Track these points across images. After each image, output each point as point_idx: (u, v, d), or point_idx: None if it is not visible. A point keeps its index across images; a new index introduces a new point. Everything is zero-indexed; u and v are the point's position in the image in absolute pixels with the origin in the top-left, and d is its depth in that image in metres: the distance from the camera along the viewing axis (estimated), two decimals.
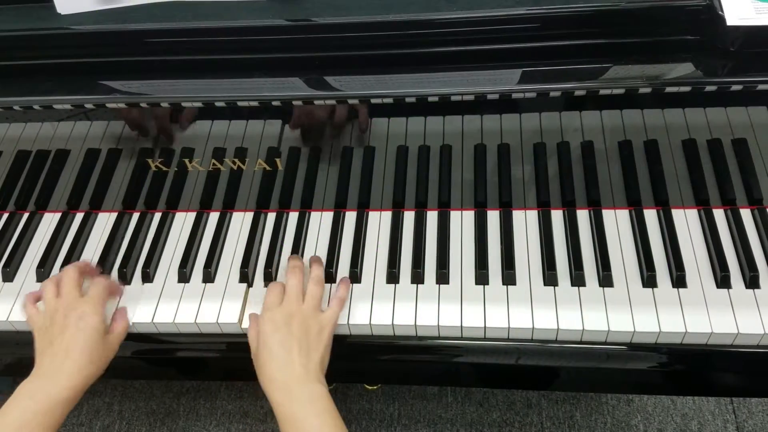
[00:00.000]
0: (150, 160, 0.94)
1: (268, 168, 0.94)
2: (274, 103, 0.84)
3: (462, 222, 0.94)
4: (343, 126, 0.89)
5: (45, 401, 0.77)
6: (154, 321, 0.89)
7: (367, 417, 1.53)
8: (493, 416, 1.51)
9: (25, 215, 1.03)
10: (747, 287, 0.84)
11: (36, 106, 0.88)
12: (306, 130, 0.90)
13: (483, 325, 0.84)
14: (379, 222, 0.96)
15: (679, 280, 0.85)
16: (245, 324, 0.87)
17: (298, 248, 0.93)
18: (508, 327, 0.83)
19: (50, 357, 0.80)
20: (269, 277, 0.91)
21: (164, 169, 0.95)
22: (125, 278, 0.94)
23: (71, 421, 1.60)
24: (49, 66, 0.89)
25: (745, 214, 0.90)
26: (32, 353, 0.96)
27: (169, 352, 0.94)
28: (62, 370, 0.79)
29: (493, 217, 0.94)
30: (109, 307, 0.89)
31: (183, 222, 0.99)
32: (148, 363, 0.98)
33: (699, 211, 0.92)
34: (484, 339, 0.86)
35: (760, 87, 0.78)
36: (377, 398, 1.55)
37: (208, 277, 0.92)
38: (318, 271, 0.88)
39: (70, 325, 0.81)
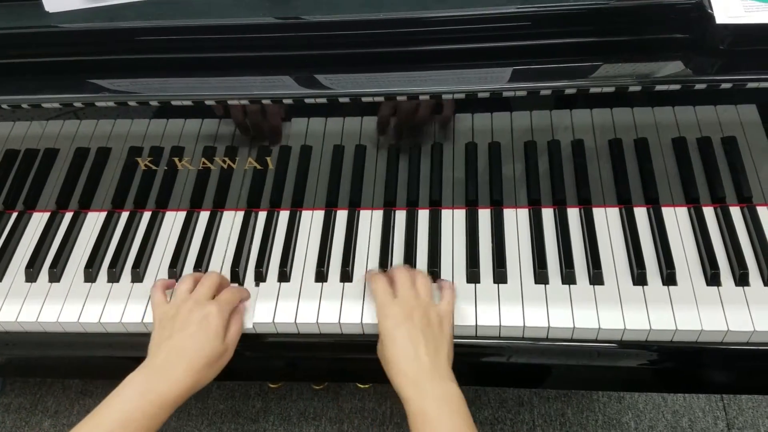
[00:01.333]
0: (139, 159, 0.94)
1: (258, 167, 0.94)
2: (265, 101, 0.84)
3: (453, 221, 0.94)
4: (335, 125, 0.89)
5: (155, 400, 0.74)
6: (144, 321, 0.88)
7: (359, 415, 1.53)
8: (485, 414, 1.51)
9: (14, 215, 1.03)
10: (737, 285, 0.84)
11: (24, 105, 0.88)
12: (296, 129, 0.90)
13: (474, 324, 0.84)
14: (371, 221, 0.95)
15: (669, 278, 0.85)
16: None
17: (289, 247, 0.93)
18: (499, 325, 0.83)
19: (166, 352, 0.78)
20: (260, 277, 0.91)
21: (154, 168, 0.95)
22: (114, 278, 0.93)
23: (62, 422, 1.59)
24: (37, 64, 0.88)
25: (735, 212, 0.91)
26: (21, 355, 0.96)
27: None
28: (177, 368, 0.76)
29: (484, 215, 0.94)
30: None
31: (173, 221, 0.99)
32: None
33: (689, 209, 0.92)
34: (476, 337, 0.86)
35: (750, 85, 0.78)
36: (369, 397, 1.55)
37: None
38: (422, 272, 0.87)
39: (193, 323, 0.79)
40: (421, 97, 0.83)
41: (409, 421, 0.75)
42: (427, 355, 0.76)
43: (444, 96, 0.83)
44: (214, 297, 0.84)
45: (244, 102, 0.84)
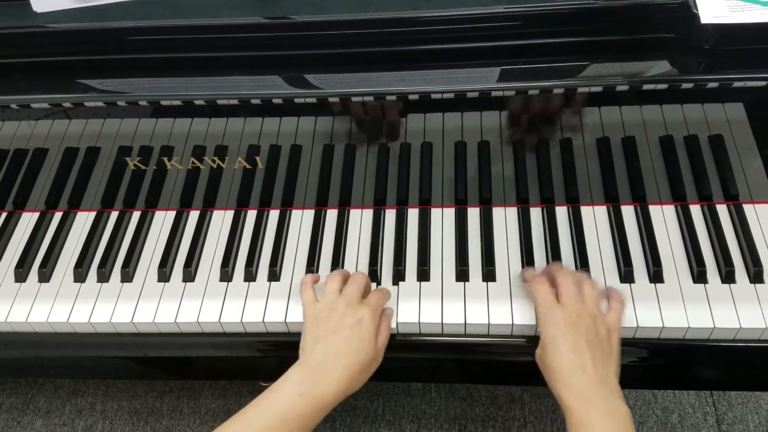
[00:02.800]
0: (129, 159, 0.94)
1: (248, 166, 0.94)
2: (254, 101, 0.84)
3: (443, 219, 0.95)
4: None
5: (311, 402, 0.74)
6: (134, 321, 0.88)
7: (351, 413, 1.53)
8: (477, 411, 1.52)
9: (3, 215, 1.02)
10: (723, 282, 0.85)
11: (13, 105, 0.88)
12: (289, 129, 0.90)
13: (464, 322, 0.84)
14: (361, 220, 0.96)
15: (656, 276, 0.86)
16: (224, 320, 0.87)
17: (278, 247, 0.93)
18: (489, 323, 0.84)
19: (322, 353, 0.77)
20: (250, 276, 0.91)
21: (143, 167, 0.95)
22: (104, 278, 0.93)
23: (53, 422, 1.59)
24: (25, 65, 0.88)
25: (722, 210, 0.91)
26: (10, 355, 0.96)
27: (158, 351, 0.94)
28: (333, 371, 0.75)
29: (474, 214, 0.94)
30: None
31: (162, 221, 0.99)
32: (134, 362, 0.97)
33: (676, 207, 0.93)
34: (465, 335, 0.86)
35: (736, 84, 0.79)
36: (361, 395, 1.55)
37: (188, 276, 0.92)
38: (586, 276, 0.83)
39: (347, 326, 0.78)
40: (411, 97, 0.83)
41: (568, 428, 0.73)
42: (594, 368, 0.73)
43: (433, 95, 0.83)
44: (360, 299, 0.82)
45: (233, 102, 0.84)
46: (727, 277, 0.85)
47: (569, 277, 0.81)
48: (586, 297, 0.79)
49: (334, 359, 0.76)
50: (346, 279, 0.84)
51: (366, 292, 0.84)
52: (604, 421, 0.71)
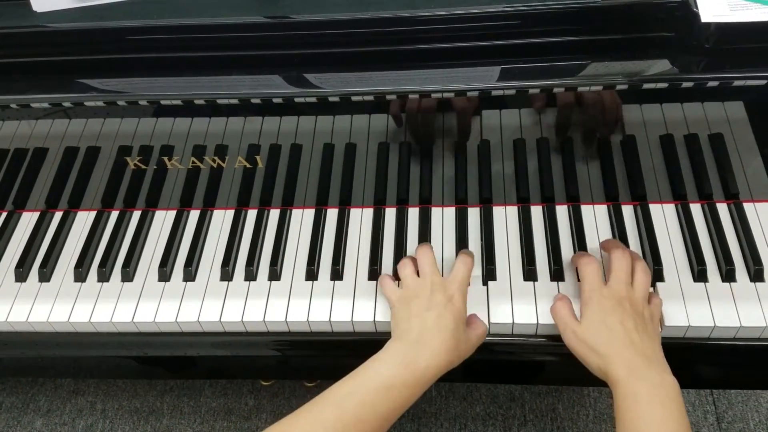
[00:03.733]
0: (129, 159, 0.94)
1: (248, 165, 0.94)
2: (254, 100, 0.84)
3: (443, 218, 0.95)
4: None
5: (415, 372, 0.73)
6: (135, 320, 0.88)
7: None
8: (477, 410, 1.52)
9: (3, 215, 1.02)
10: (723, 281, 0.85)
11: (13, 105, 0.88)
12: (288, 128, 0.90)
13: None
14: (361, 219, 0.96)
15: (656, 274, 0.86)
16: (225, 319, 0.87)
17: (279, 246, 0.93)
18: (489, 322, 0.84)
19: (419, 327, 0.77)
20: (250, 275, 0.91)
21: (143, 167, 0.95)
22: (104, 277, 0.93)
23: (54, 421, 1.59)
24: (25, 64, 0.88)
25: (722, 209, 0.92)
26: (11, 355, 0.96)
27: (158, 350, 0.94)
28: (434, 342, 0.75)
29: (474, 213, 0.94)
30: None
31: (163, 220, 0.99)
32: (135, 361, 0.97)
33: (676, 206, 0.93)
34: None
35: (736, 83, 0.79)
36: None
37: (189, 276, 0.92)
38: (643, 263, 0.83)
39: (438, 305, 0.78)
40: (411, 96, 0.83)
41: (615, 404, 0.72)
42: (642, 343, 0.74)
43: (433, 95, 0.83)
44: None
45: (233, 101, 0.84)
46: (728, 275, 0.85)
47: (624, 260, 0.81)
48: (637, 283, 0.80)
49: (432, 331, 0.76)
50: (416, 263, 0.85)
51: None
52: (651, 392, 0.70)
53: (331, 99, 0.84)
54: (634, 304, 0.77)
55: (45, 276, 0.94)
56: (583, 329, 0.78)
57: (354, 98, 0.83)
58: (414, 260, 0.85)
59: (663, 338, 0.83)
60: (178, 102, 0.85)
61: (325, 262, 0.92)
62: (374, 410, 0.72)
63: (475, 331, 0.81)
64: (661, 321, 0.82)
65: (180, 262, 0.94)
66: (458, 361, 0.78)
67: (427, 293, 0.80)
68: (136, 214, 1.00)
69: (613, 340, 0.75)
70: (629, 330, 0.75)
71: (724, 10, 0.73)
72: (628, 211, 0.93)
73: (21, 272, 0.95)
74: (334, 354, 0.92)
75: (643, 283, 0.80)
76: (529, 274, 0.87)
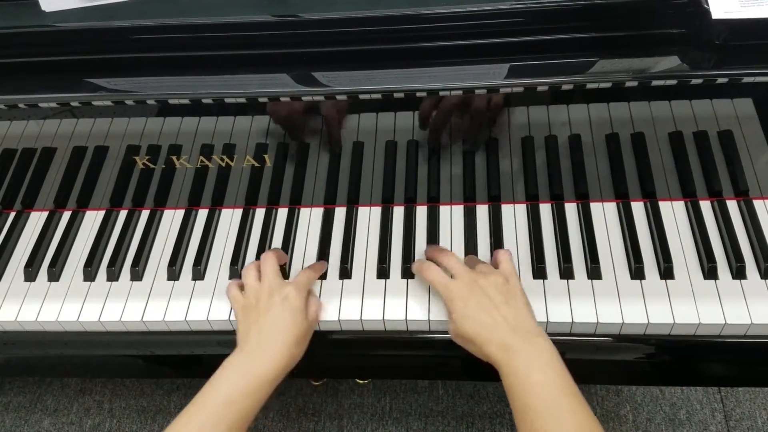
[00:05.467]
0: (137, 158, 0.94)
1: (256, 164, 0.94)
2: (262, 99, 0.84)
3: (451, 216, 0.94)
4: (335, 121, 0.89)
5: (254, 380, 0.76)
6: (144, 320, 0.89)
7: (358, 411, 1.53)
8: (484, 408, 1.52)
9: (12, 214, 1.02)
10: (734, 278, 0.85)
11: (21, 105, 0.88)
12: (293, 127, 0.90)
13: None
14: (369, 218, 0.96)
15: (666, 272, 0.85)
16: (234, 318, 0.87)
17: (287, 245, 0.93)
18: None
19: (256, 334, 0.79)
20: None
21: (151, 166, 0.95)
22: (113, 277, 0.93)
23: (61, 420, 1.60)
24: (34, 64, 0.88)
25: (732, 206, 0.91)
26: (20, 354, 0.97)
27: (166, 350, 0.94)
28: (269, 348, 0.78)
29: (483, 211, 0.94)
30: None
31: (171, 220, 0.99)
32: (142, 360, 0.97)
33: (686, 203, 0.92)
34: None
35: (746, 80, 0.79)
36: (369, 392, 1.55)
37: (198, 274, 0.92)
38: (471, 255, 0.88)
39: (276, 305, 0.81)
40: (419, 94, 0.83)
41: (504, 386, 0.74)
42: (505, 318, 0.76)
43: (441, 93, 0.83)
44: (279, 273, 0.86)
45: (241, 100, 0.84)
46: (738, 273, 0.85)
47: (447, 252, 0.85)
48: (469, 262, 0.85)
49: (269, 337, 0.79)
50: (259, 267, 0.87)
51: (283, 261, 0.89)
52: (527, 364, 0.73)
53: (339, 98, 0.84)
54: (482, 279, 0.80)
55: (54, 275, 0.94)
56: (454, 325, 0.80)
57: (362, 97, 0.84)
58: (258, 265, 0.87)
59: (673, 336, 0.83)
60: (186, 101, 0.85)
61: (334, 261, 0.92)
62: (220, 426, 0.74)
63: (311, 309, 0.84)
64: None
65: (189, 261, 0.94)
66: (302, 352, 0.82)
67: (266, 297, 0.82)
68: (145, 213, 1.00)
69: (480, 325, 0.77)
70: (490, 309, 0.77)
71: (735, 6, 0.73)
72: (637, 208, 0.92)
73: (30, 272, 0.95)
74: (341, 352, 0.92)
75: (473, 258, 0.85)
76: (539, 272, 0.87)
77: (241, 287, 0.86)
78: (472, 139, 0.91)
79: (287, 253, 0.93)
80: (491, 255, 0.89)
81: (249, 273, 0.86)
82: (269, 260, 0.86)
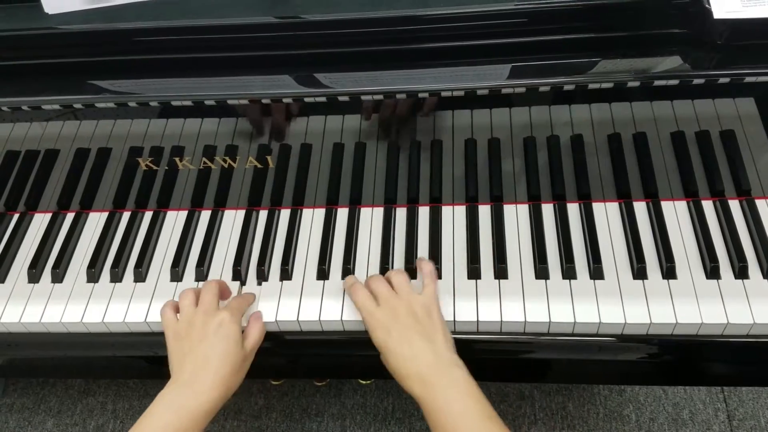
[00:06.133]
0: (140, 159, 0.94)
1: (259, 165, 0.94)
2: (264, 101, 0.84)
3: (453, 217, 0.95)
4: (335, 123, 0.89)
5: (186, 416, 0.74)
6: (148, 320, 0.89)
7: (361, 411, 1.53)
8: None
9: (15, 216, 1.03)
10: (736, 278, 0.85)
11: (25, 107, 0.88)
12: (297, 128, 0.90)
13: (476, 319, 0.84)
14: (371, 218, 0.96)
15: (669, 272, 0.85)
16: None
17: (290, 246, 0.94)
18: (501, 321, 0.84)
19: (192, 365, 0.78)
20: (261, 275, 0.91)
21: (154, 168, 0.95)
22: (117, 278, 0.93)
23: (65, 421, 1.60)
24: (37, 66, 0.88)
25: (734, 205, 0.91)
26: (23, 356, 0.97)
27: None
28: (205, 380, 0.76)
29: (485, 211, 0.94)
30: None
31: (174, 221, 0.99)
32: (145, 361, 0.97)
33: (688, 203, 0.92)
34: (477, 333, 0.86)
35: (748, 79, 0.79)
36: (371, 393, 1.55)
37: (201, 275, 0.92)
38: (394, 270, 0.87)
39: (210, 334, 0.79)
40: (421, 95, 0.83)
41: (427, 419, 0.75)
42: (424, 350, 0.77)
43: (443, 93, 0.83)
44: (218, 304, 0.84)
45: (244, 102, 0.84)
46: (741, 272, 0.85)
47: (378, 279, 0.85)
48: (397, 287, 0.83)
49: (203, 368, 0.77)
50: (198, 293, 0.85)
51: (226, 297, 0.87)
52: (446, 397, 0.74)
53: (341, 99, 0.84)
54: (405, 308, 0.80)
55: (58, 277, 0.94)
56: (384, 358, 0.81)
57: (364, 98, 0.84)
58: (196, 293, 0.85)
59: (675, 336, 0.83)
60: (189, 103, 0.85)
61: (336, 262, 0.92)
62: None
63: (249, 338, 0.83)
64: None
65: (192, 262, 0.94)
66: (239, 381, 0.80)
67: (200, 325, 0.80)
68: (148, 215, 1.00)
69: (401, 358, 0.78)
70: (411, 342, 0.78)
71: (737, 6, 0.73)
72: (639, 208, 0.92)
73: (34, 273, 0.95)
74: (345, 353, 0.92)
75: (401, 282, 0.83)
76: (542, 272, 0.87)
77: (177, 309, 0.85)
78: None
79: (290, 253, 0.93)
80: (494, 257, 0.89)
81: (186, 296, 0.84)
82: (211, 286, 0.85)
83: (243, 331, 0.83)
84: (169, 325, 0.83)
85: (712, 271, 0.85)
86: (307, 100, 0.84)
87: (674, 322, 0.81)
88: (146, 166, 0.95)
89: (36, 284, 0.95)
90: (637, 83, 0.80)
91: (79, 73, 0.87)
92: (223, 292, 0.88)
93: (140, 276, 0.93)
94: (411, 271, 0.89)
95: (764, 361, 0.87)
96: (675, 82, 0.79)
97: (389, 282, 0.84)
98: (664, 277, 0.85)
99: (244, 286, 0.91)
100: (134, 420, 1.55)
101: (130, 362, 0.98)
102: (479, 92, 0.82)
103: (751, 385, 1.46)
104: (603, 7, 0.79)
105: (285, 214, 0.98)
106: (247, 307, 0.86)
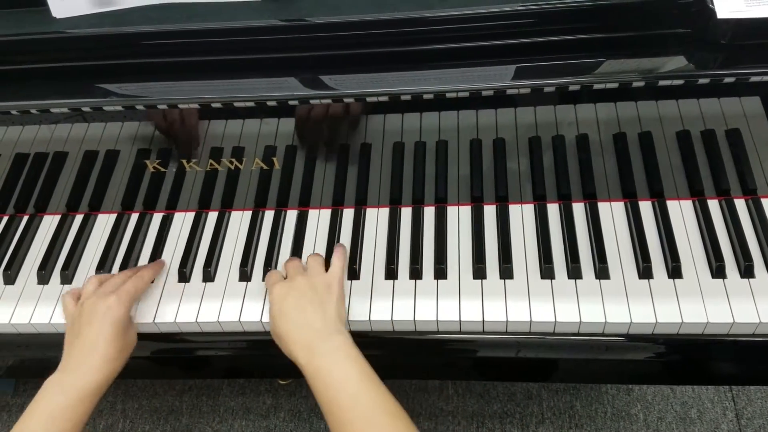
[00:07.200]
0: (148, 161, 0.95)
1: (265, 167, 0.95)
2: (270, 103, 0.84)
3: (459, 217, 0.95)
4: (339, 124, 0.89)
5: (74, 394, 0.78)
6: (156, 321, 0.90)
7: None
8: (494, 408, 1.52)
9: (25, 218, 1.04)
10: (742, 277, 0.85)
11: (33, 110, 0.89)
12: (302, 129, 0.90)
13: (481, 319, 0.84)
14: (377, 219, 0.96)
15: (674, 271, 0.85)
16: (244, 319, 0.88)
17: (297, 246, 0.94)
18: (506, 320, 0.84)
19: (78, 349, 0.81)
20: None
21: (162, 170, 0.96)
22: None
23: None
24: (45, 70, 0.89)
25: (740, 204, 0.91)
26: (33, 356, 0.98)
27: (175, 352, 0.95)
28: (89, 362, 0.80)
29: (490, 211, 0.95)
30: None
31: (182, 222, 1.00)
32: (153, 363, 0.98)
33: (693, 202, 0.92)
34: (483, 333, 0.86)
35: (753, 79, 0.79)
36: None
37: (208, 276, 0.93)
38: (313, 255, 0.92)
39: (98, 317, 0.82)
40: (426, 96, 0.84)
41: (309, 385, 0.77)
42: (315, 318, 0.80)
43: (448, 94, 0.83)
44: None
45: (250, 104, 0.85)
46: (746, 271, 0.84)
47: (294, 260, 0.90)
48: (308, 266, 0.88)
49: (90, 350, 0.81)
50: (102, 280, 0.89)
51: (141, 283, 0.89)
52: (328, 361, 0.76)
53: (346, 101, 0.84)
54: (303, 281, 0.84)
55: (67, 278, 0.95)
56: (271, 323, 0.83)
57: (369, 99, 0.84)
58: (101, 280, 0.88)
59: (681, 335, 0.83)
60: (196, 105, 0.86)
61: None
62: None
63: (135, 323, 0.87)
64: None
65: (199, 263, 0.95)
66: (124, 362, 0.84)
67: (89, 308, 0.83)
68: (156, 216, 1.01)
69: (291, 323, 0.81)
70: (303, 310, 0.81)
71: (741, 6, 0.73)
72: (645, 207, 0.92)
73: (43, 275, 0.96)
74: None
75: (313, 262, 0.88)
76: (547, 272, 0.87)
77: (78, 297, 0.88)
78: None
79: (297, 253, 0.93)
80: (499, 257, 0.89)
81: (90, 283, 0.88)
82: (116, 277, 0.88)
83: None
84: (66, 310, 0.88)
85: (718, 271, 0.85)
86: (312, 102, 0.84)
87: (680, 321, 0.81)
88: (154, 168, 0.96)
89: (45, 285, 0.96)
90: (642, 83, 0.80)
91: (87, 77, 0.88)
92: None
93: None
94: (414, 270, 0.89)
95: None
96: (680, 82, 0.79)
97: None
98: (669, 277, 0.85)
99: (250, 285, 0.92)
100: (143, 419, 1.57)
101: (140, 363, 0.98)
102: (484, 93, 0.83)
103: (759, 384, 1.46)
104: (607, 7, 0.79)
105: (291, 215, 0.98)
106: (143, 287, 0.89)
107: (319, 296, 0.82)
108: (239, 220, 0.99)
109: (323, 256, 0.91)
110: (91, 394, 0.79)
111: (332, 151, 0.93)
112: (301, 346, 0.78)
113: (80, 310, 0.84)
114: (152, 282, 0.92)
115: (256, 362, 0.99)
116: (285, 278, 0.87)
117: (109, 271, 0.96)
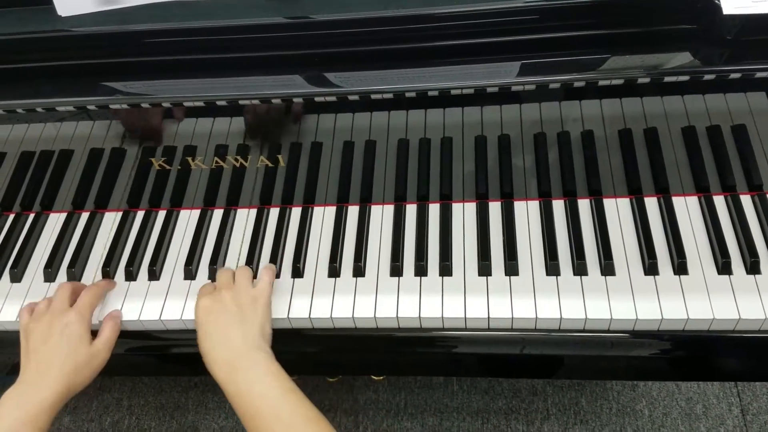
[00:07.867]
0: (153, 159, 0.95)
1: (270, 164, 0.95)
2: (275, 100, 0.85)
3: (464, 214, 0.95)
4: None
5: (32, 408, 0.78)
6: (162, 318, 0.90)
7: (374, 407, 1.54)
8: (499, 404, 1.52)
9: (31, 216, 1.04)
10: (748, 273, 0.85)
11: (39, 108, 0.89)
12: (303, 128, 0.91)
13: (486, 316, 0.85)
14: (382, 216, 0.96)
15: (680, 267, 0.85)
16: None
17: (301, 243, 0.94)
18: (512, 317, 0.84)
19: (35, 364, 0.82)
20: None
21: (167, 167, 0.96)
22: (132, 277, 0.94)
23: (81, 417, 1.62)
24: (50, 68, 0.89)
25: (746, 200, 0.91)
26: None
27: (175, 348, 0.95)
28: (47, 378, 0.80)
29: (495, 208, 0.95)
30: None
31: (188, 220, 1.00)
32: (158, 359, 0.98)
33: (699, 198, 0.92)
34: (488, 329, 0.87)
35: (759, 74, 0.78)
36: (384, 388, 1.56)
37: (214, 273, 0.93)
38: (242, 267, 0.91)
39: (55, 334, 0.83)
40: (430, 93, 0.84)
41: (231, 403, 0.77)
42: (236, 336, 0.81)
43: (453, 91, 0.83)
44: (70, 304, 0.87)
45: (255, 102, 0.85)
46: (752, 267, 0.84)
47: (224, 271, 0.90)
48: (236, 279, 0.87)
49: (46, 367, 0.81)
50: (76, 293, 0.89)
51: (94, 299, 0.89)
52: (249, 379, 0.77)
53: (351, 98, 0.84)
54: (231, 294, 0.84)
55: (74, 276, 0.96)
56: (200, 342, 0.83)
57: (374, 96, 0.84)
58: (50, 300, 0.88)
59: (687, 331, 0.83)
60: (201, 103, 0.86)
61: (347, 259, 0.92)
62: None
63: (102, 338, 0.86)
64: None
65: (205, 260, 0.95)
66: (86, 379, 0.84)
67: (45, 325, 0.84)
68: (162, 214, 1.01)
69: (211, 344, 0.81)
70: (226, 327, 0.81)
71: (746, 1, 0.73)
72: (651, 204, 0.92)
73: (50, 272, 0.96)
74: (358, 349, 0.92)
75: (242, 274, 0.88)
76: (552, 268, 0.87)
77: (33, 311, 0.88)
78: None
79: (301, 251, 0.93)
80: (504, 254, 0.89)
81: (42, 302, 0.88)
82: (64, 288, 0.88)
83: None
84: (22, 325, 0.87)
85: (724, 267, 0.85)
86: (317, 99, 0.85)
87: (686, 317, 0.81)
88: (159, 165, 0.96)
89: (52, 283, 0.96)
90: (647, 79, 0.79)
91: (92, 75, 0.88)
92: (75, 291, 0.90)
93: (154, 274, 0.94)
94: (419, 267, 0.89)
95: None
96: (685, 78, 0.79)
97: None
98: (675, 273, 0.85)
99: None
100: (149, 416, 1.57)
101: (146, 360, 0.99)
102: (489, 89, 0.82)
103: (765, 381, 1.45)
104: (612, 3, 0.79)
105: (296, 213, 0.98)
106: (98, 300, 0.89)
107: (242, 312, 0.83)
108: (245, 218, 0.99)
109: (249, 269, 0.90)
110: (47, 409, 0.79)
111: (337, 149, 0.93)
112: (220, 366, 0.79)
113: (35, 326, 0.84)
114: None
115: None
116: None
117: (115, 269, 0.96)
